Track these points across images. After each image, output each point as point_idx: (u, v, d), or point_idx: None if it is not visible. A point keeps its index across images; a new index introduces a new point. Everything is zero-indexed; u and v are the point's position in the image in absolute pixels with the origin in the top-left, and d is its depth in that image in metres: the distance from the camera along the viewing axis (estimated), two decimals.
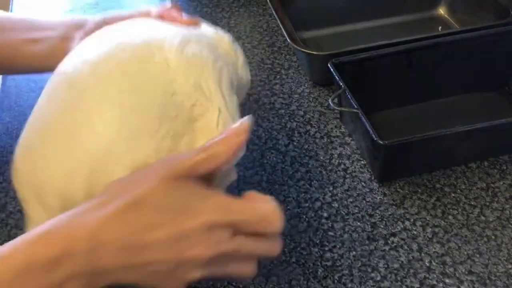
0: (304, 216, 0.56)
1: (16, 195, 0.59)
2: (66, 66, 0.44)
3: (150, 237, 0.35)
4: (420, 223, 0.55)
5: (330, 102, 0.58)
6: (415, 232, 0.54)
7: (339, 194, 0.58)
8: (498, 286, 0.49)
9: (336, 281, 0.50)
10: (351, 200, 0.57)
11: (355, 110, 0.57)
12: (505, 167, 0.60)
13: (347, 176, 0.60)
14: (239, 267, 0.39)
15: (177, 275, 0.37)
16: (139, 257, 0.35)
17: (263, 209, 0.38)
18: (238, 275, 0.40)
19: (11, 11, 0.91)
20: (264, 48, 0.80)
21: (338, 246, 0.53)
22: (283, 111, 0.69)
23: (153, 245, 0.35)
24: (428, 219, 0.55)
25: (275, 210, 0.38)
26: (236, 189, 0.57)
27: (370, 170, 0.60)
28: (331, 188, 0.59)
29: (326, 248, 0.53)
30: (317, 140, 0.65)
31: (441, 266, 0.51)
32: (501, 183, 0.59)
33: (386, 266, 0.51)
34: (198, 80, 0.43)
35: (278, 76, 0.75)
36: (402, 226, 0.55)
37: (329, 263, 0.52)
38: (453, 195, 0.58)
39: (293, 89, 0.72)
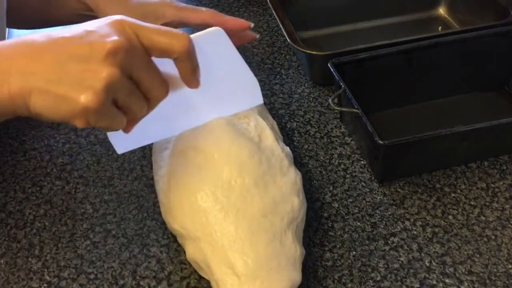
0: None
1: (16, 195, 0.60)
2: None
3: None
4: (420, 223, 0.55)
5: (330, 102, 0.58)
6: (415, 232, 0.54)
7: (339, 194, 0.58)
8: (498, 286, 0.49)
9: (336, 281, 0.50)
10: (351, 200, 0.57)
11: (355, 110, 0.57)
12: (505, 167, 0.60)
13: (347, 176, 0.60)
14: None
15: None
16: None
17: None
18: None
19: None
20: (264, 48, 0.80)
21: (338, 246, 0.53)
22: (283, 111, 0.69)
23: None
24: (428, 219, 0.55)
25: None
26: None
27: (370, 170, 0.60)
28: (331, 188, 0.59)
29: (326, 248, 0.53)
30: (317, 140, 0.65)
31: (441, 266, 0.51)
32: (501, 183, 0.59)
33: (386, 266, 0.51)
34: None
35: (278, 76, 0.75)
36: (402, 226, 0.55)
37: (329, 263, 0.52)
38: (453, 195, 0.58)
39: (293, 89, 0.72)
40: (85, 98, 0.37)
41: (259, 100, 0.55)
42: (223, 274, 0.45)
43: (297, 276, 0.46)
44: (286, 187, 0.50)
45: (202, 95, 0.49)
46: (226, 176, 0.49)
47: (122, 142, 0.51)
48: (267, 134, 0.54)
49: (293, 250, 0.47)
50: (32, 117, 0.40)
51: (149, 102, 0.42)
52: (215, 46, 0.49)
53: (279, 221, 0.48)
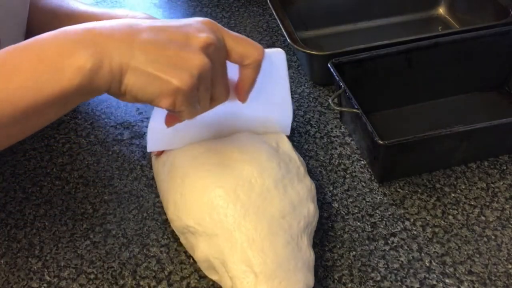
0: None
1: (16, 195, 0.60)
2: None
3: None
4: (420, 223, 0.55)
5: (330, 102, 0.58)
6: (415, 232, 0.54)
7: (339, 194, 0.58)
8: (498, 286, 0.49)
9: (336, 281, 0.50)
10: (351, 200, 0.57)
11: (355, 110, 0.57)
12: (505, 167, 0.60)
13: (347, 176, 0.60)
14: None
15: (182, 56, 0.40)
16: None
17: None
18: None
19: None
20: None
21: (338, 246, 0.53)
22: None
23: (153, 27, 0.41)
24: (428, 219, 0.55)
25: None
26: None
27: (370, 170, 0.60)
28: (331, 188, 0.59)
29: (326, 248, 0.53)
30: (317, 140, 0.65)
31: (441, 266, 0.51)
32: (501, 183, 0.59)
33: (386, 266, 0.51)
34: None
35: None
36: (402, 226, 0.55)
37: (329, 263, 0.52)
38: (453, 195, 0.58)
39: (293, 89, 0.72)
40: (180, 79, 0.39)
41: (287, 131, 0.57)
42: (240, 272, 0.45)
43: (311, 280, 0.47)
44: (303, 192, 0.50)
45: (242, 108, 0.49)
46: (247, 174, 0.49)
47: (156, 141, 0.52)
48: (284, 141, 0.55)
49: (308, 253, 0.48)
50: (118, 96, 0.41)
51: (211, 102, 0.44)
52: (272, 66, 0.50)
53: (296, 224, 0.48)
